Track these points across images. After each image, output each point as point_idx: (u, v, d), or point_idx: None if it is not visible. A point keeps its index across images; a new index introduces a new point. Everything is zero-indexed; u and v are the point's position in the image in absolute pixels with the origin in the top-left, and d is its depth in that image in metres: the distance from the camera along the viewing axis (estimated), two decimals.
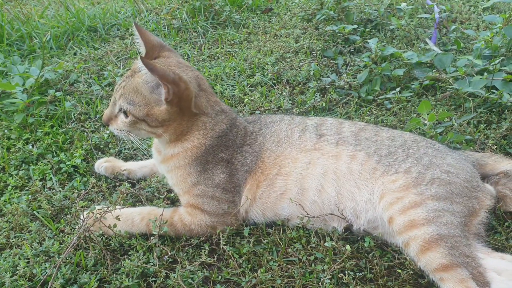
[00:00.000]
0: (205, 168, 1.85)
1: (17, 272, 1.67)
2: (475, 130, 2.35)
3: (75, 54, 3.41)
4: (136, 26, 1.91)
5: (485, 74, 2.59)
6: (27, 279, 1.67)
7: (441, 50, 3.13)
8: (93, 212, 1.75)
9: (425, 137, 2.15)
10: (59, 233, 1.90)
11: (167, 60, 1.89)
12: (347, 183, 1.81)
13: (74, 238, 1.72)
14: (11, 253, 1.77)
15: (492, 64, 2.60)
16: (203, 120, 1.87)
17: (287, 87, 2.81)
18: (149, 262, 1.72)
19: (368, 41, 3.00)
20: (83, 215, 1.81)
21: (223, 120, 1.92)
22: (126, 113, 1.81)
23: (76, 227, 1.84)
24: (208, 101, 1.90)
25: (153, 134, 1.85)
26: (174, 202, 2.03)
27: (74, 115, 2.63)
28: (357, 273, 1.65)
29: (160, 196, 1.99)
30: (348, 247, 1.69)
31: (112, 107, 1.87)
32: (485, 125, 2.39)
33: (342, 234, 1.81)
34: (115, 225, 1.79)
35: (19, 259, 1.74)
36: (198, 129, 1.87)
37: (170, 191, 2.05)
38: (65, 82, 2.93)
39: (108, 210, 1.75)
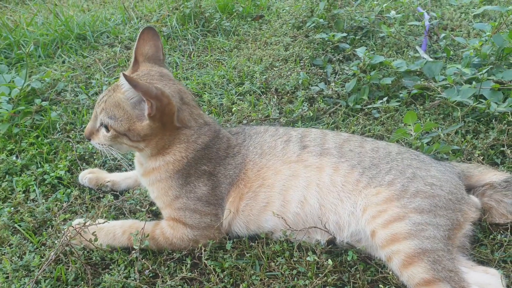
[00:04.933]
0: (187, 181, 1.83)
1: None
2: (462, 140, 2.34)
3: (63, 62, 3.39)
4: (142, 32, 1.93)
5: (474, 83, 2.58)
6: None
7: (431, 57, 3.13)
8: (73, 226, 1.73)
9: (411, 147, 2.13)
10: (41, 247, 1.88)
11: (149, 72, 1.88)
12: (330, 195, 1.79)
13: (52, 254, 1.70)
14: None
15: (480, 73, 2.58)
16: (186, 133, 1.85)
17: (275, 96, 2.80)
18: (130, 277, 1.70)
19: (356, 49, 2.98)
20: (63, 228, 1.79)
21: (206, 132, 1.90)
22: (107, 128, 1.80)
23: (57, 241, 1.81)
24: (191, 114, 1.88)
25: (135, 148, 1.84)
26: (156, 215, 2.01)
27: (59, 125, 2.61)
28: None
29: (142, 209, 1.97)
30: (330, 261, 1.67)
31: (93, 121, 1.85)
32: (472, 134, 2.38)
33: (326, 248, 1.80)
34: (96, 239, 1.77)
35: None
36: (180, 142, 1.85)
37: (152, 203, 2.03)
38: (52, 91, 2.91)
39: (88, 224, 1.72)
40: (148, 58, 1.94)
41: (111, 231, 1.83)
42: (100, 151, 1.90)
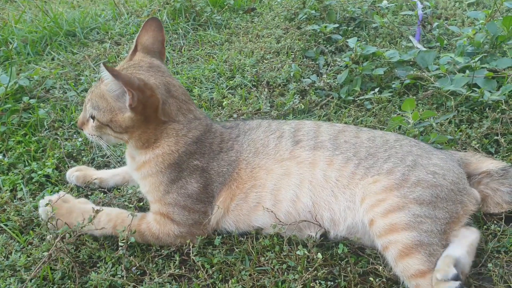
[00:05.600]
0: (179, 176, 1.80)
1: None
2: (456, 129, 2.30)
3: (52, 59, 3.35)
4: (147, 21, 1.93)
5: (467, 71, 2.54)
6: None
7: (425, 47, 3.09)
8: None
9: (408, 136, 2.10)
10: (27, 246, 1.84)
11: (139, 63, 1.85)
12: (323, 192, 1.75)
13: (45, 255, 1.68)
14: None
15: (473, 61, 2.55)
16: (174, 127, 1.82)
17: (267, 89, 2.76)
18: (117, 275, 1.67)
19: (349, 40, 2.94)
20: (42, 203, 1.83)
21: (196, 126, 1.86)
22: (93, 118, 1.81)
23: (49, 237, 1.78)
24: (179, 109, 1.84)
25: (120, 139, 1.84)
26: (144, 211, 1.98)
27: (47, 122, 2.57)
28: (330, 282, 1.60)
29: (130, 206, 1.94)
30: (319, 255, 1.64)
31: (84, 111, 1.88)
32: (466, 124, 2.35)
33: (317, 241, 1.76)
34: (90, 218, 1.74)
35: None
36: (169, 136, 1.81)
37: (141, 200, 2.00)
38: (40, 89, 2.87)
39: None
40: (144, 48, 1.92)
41: (97, 216, 1.78)
42: (92, 142, 1.94)
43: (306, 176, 1.77)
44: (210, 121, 1.97)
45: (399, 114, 2.34)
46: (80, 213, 1.80)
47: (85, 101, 1.86)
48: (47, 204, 1.78)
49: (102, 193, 2.10)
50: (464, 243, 1.64)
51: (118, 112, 1.76)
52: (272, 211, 1.75)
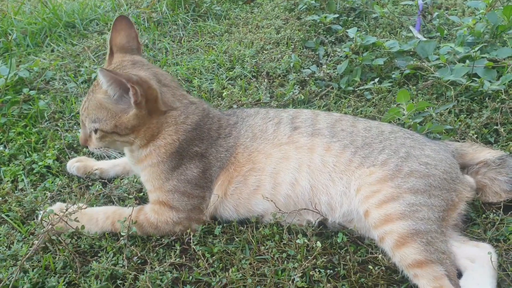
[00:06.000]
0: (179, 164, 1.81)
1: None
2: (455, 119, 2.30)
3: (52, 51, 3.35)
4: (116, 21, 1.87)
5: (467, 61, 2.54)
6: None
7: (425, 37, 3.08)
8: (56, 214, 1.70)
9: (403, 127, 2.10)
10: (29, 236, 1.85)
11: (121, 63, 1.84)
12: (321, 176, 1.77)
13: (38, 242, 1.68)
14: None
15: (473, 51, 2.54)
16: (172, 115, 1.83)
17: (266, 79, 2.76)
18: (118, 264, 1.68)
19: (348, 30, 2.94)
20: (41, 215, 1.77)
21: (194, 111, 1.88)
22: (95, 131, 1.80)
23: (41, 229, 1.79)
24: (174, 95, 1.85)
25: (126, 142, 1.83)
26: (144, 201, 1.99)
27: (47, 114, 2.58)
28: (330, 270, 1.61)
29: (130, 197, 1.95)
30: (318, 243, 1.65)
31: (83, 128, 1.86)
32: (466, 114, 2.35)
33: (316, 229, 1.77)
34: (83, 227, 1.76)
35: None
36: (169, 125, 1.82)
37: (140, 190, 2.01)
38: (40, 80, 2.87)
39: (70, 209, 1.70)
40: (121, 48, 1.89)
41: (94, 217, 1.82)
42: (100, 155, 1.91)
43: (304, 160, 1.79)
44: (207, 105, 1.99)
45: (398, 105, 2.34)
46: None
47: (81, 119, 1.84)
48: None
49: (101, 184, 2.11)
50: (486, 273, 1.56)
51: (121, 115, 1.75)
52: (271, 200, 1.77)
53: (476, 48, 2.52)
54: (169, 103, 1.81)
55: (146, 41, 3.30)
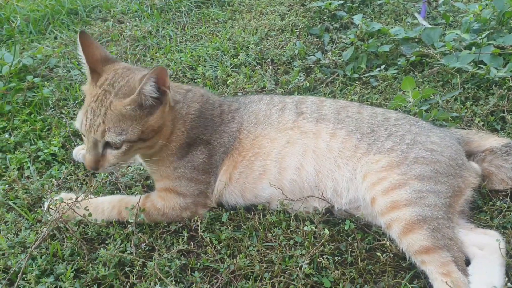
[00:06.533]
0: (187, 152, 1.82)
1: None
2: (462, 106, 2.29)
3: (55, 38, 3.33)
4: (80, 38, 1.72)
5: (473, 48, 2.52)
6: (1, 271, 1.64)
7: (430, 24, 3.06)
8: (65, 202, 1.71)
9: (409, 114, 2.10)
10: (36, 223, 1.86)
11: (115, 69, 1.77)
12: (327, 161, 1.77)
13: (45, 230, 1.68)
14: None
15: (480, 38, 2.52)
16: (177, 108, 1.82)
17: (271, 67, 2.74)
18: (126, 251, 1.69)
19: (354, 16, 2.92)
20: (48, 204, 1.76)
21: (193, 98, 1.88)
22: (115, 145, 1.67)
23: (48, 217, 1.79)
24: (172, 89, 1.84)
25: (147, 148, 1.75)
26: (151, 189, 1.99)
27: (52, 101, 2.57)
28: (337, 257, 1.62)
29: (137, 184, 1.95)
30: (326, 230, 1.65)
31: (93, 150, 1.68)
32: (472, 101, 2.34)
33: (323, 217, 1.78)
34: (90, 214, 1.76)
35: None
36: (177, 120, 1.82)
37: (147, 178, 2.01)
38: (44, 68, 2.86)
39: (79, 199, 1.70)
40: (103, 60, 1.78)
41: (99, 206, 1.82)
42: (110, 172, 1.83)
43: (309, 145, 1.80)
44: (204, 90, 1.99)
45: (404, 92, 2.33)
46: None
47: (94, 138, 1.66)
48: None
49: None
50: (495, 261, 1.56)
51: (147, 118, 1.67)
52: (277, 186, 1.77)
53: (483, 35, 2.50)
54: (174, 98, 1.81)
55: (150, 28, 3.27)
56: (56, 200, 1.72)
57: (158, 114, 1.70)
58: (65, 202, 1.70)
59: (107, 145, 1.68)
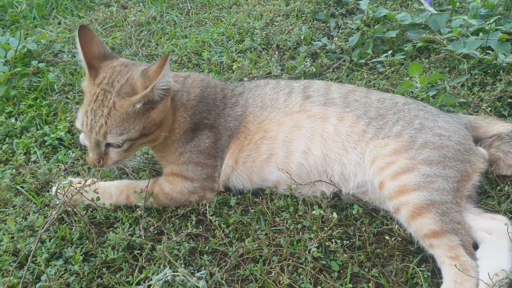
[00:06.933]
0: (192, 137, 1.82)
1: (0, 247, 1.64)
2: (469, 92, 2.29)
3: (59, 23, 3.31)
4: (79, 33, 1.69)
5: (481, 34, 2.51)
6: (11, 254, 1.65)
7: (436, 10, 3.03)
8: (73, 186, 1.71)
9: (416, 99, 2.09)
10: (44, 207, 1.86)
11: (112, 66, 1.73)
12: (334, 145, 1.77)
13: (54, 213, 1.69)
14: None
15: (487, 23, 2.51)
16: (177, 98, 1.82)
17: (277, 52, 2.73)
18: (135, 234, 1.69)
19: (359, 2, 2.89)
20: (56, 188, 1.78)
21: (192, 84, 1.88)
22: (118, 144, 1.67)
23: (58, 201, 1.79)
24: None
25: (150, 142, 1.76)
26: (159, 173, 1.99)
27: (57, 86, 2.56)
28: (345, 241, 1.63)
29: (145, 168, 1.95)
30: (335, 214, 1.65)
31: (96, 149, 1.69)
32: (479, 87, 2.33)
33: (331, 201, 1.78)
34: (98, 198, 1.76)
35: (3, 234, 1.71)
36: (178, 109, 1.82)
37: (155, 162, 2.01)
38: (49, 53, 2.84)
39: (85, 184, 1.70)
40: (101, 57, 1.75)
41: (107, 191, 1.82)
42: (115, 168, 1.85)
43: (317, 129, 1.80)
44: (204, 75, 1.99)
45: (411, 78, 2.32)
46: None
47: (96, 138, 1.66)
48: None
49: None
50: (504, 245, 1.56)
51: (149, 113, 1.66)
52: (285, 169, 1.77)
53: (491, 21, 2.48)
54: (173, 88, 1.79)
55: (154, 13, 3.25)
56: (69, 181, 1.72)
57: (160, 108, 1.69)
58: (73, 186, 1.70)
59: (109, 143, 1.68)
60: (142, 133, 1.68)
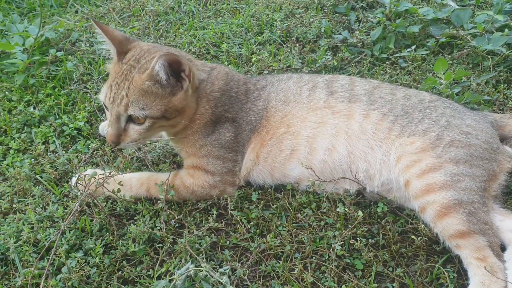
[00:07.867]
0: (213, 130, 1.81)
1: (21, 237, 1.64)
2: (494, 90, 2.24)
3: (76, 12, 3.29)
4: (98, 24, 1.73)
5: (506, 30, 2.45)
6: (31, 245, 1.64)
7: (458, 5, 2.98)
8: (95, 178, 1.69)
9: (441, 97, 2.05)
10: (63, 198, 1.86)
11: (141, 46, 1.76)
12: (360, 143, 1.74)
13: (77, 205, 1.67)
14: (15, 218, 1.73)
15: None
16: (201, 87, 1.80)
17: (297, 45, 2.69)
18: (156, 227, 1.68)
19: None
20: (76, 179, 1.78)
21: (217, 76, 1.86)
22: (139, 120, 1.67)
23: (78, 192, 1.78)
24: (197, 67, 1.82)
25: (170, 126, 1.76)
26: (180, 166, 1.97)
27: (76, 75, 2.54)
28: (369, 239, 1.60)
29: (166, 160, 1.93)
30: (360, 212, 1.63)
31: (116, 123, 1.68)
32: (504, 84, 2.28)
33: (355, 199, 1.75)
34: (119, 190, 1.75)
35: (23, 224, 1.70)
36: (201, 98, 1.80)
37: (176, 155, 1.99)
38: (67, 41, 2.83)
39: (108, 175, 1.69)
40: (126, 40, 1.78)
41: (127, 183, 1.80)
42: (131, 148, 1.83)
43: (342, 126, 1.77)
44: (228, 69, 1.97)
45: (434, 74, 2.28)
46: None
47: (117, 111, 1.66)
48: None
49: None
50: None
51: (170, 97, 1.67)
52: (308, 166, 1.74)
53: None
54: (199, 77, 1.78)
55: (172, 3, 3.22)
56: (93, 172, 1.71)
57: (181, 96, 1.69)
58: (95, 178, 1.68)
59: (130, 120, 1.68)
60: (164, 115, 1.67)
